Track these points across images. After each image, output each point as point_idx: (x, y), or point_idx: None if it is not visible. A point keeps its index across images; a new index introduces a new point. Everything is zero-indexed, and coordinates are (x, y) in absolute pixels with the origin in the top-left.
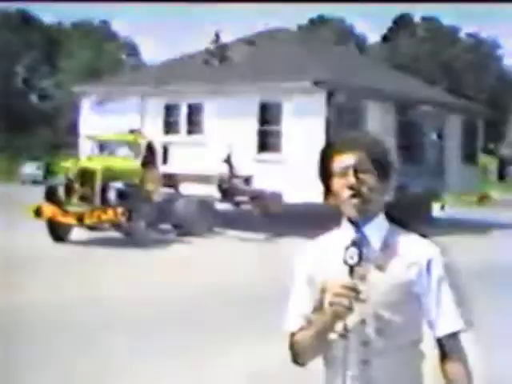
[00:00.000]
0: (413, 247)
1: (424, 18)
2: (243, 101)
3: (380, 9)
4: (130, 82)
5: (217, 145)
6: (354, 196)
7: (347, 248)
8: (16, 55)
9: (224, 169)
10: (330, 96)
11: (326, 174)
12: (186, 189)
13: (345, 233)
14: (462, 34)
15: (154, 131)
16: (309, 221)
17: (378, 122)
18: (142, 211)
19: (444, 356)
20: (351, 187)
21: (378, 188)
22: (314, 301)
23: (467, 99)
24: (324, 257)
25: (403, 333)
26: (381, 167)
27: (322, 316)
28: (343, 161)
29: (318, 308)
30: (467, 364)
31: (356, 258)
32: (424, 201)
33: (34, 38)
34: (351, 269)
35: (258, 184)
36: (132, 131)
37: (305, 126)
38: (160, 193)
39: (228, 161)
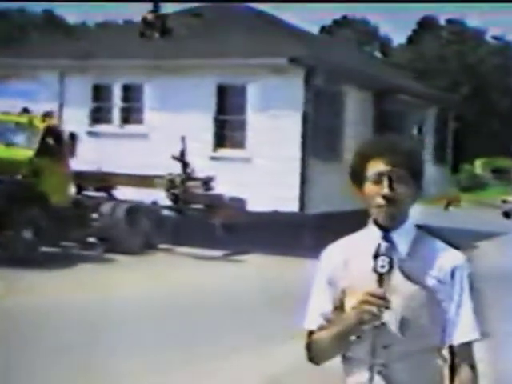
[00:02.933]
0: (439, 254)
1: (449, 21)
2: (195, 82)
3: (405, 10)
4: (44, 54)
5: (161, 138)
6: (387, 205)
7: (377, 256)
8: None
9: (176, 168)
10: (308, 77)
11: (359, 177)
12: (127, 193)
13: (371, 236)
14: (487, 37)
15: (76, 119)
16: (279, 234)
17: (357, 112)
18: (28, 217)
19: (455, 363)
20: (385, 197)
21: (411, 196)
22: (334, 301)
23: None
24: (349, 258)
25: (424, 337)
26: (415, 175)
27: (345, 319)
28: (379, 167)
29: (339, 308)
30: (477, 373)
31: (387, 267)
32: None
33: None
34: (380, 277)
35: (215, 188)
36: (25, 110)
37: (276, 116)
38: (68, 195)
39: (181, 158)
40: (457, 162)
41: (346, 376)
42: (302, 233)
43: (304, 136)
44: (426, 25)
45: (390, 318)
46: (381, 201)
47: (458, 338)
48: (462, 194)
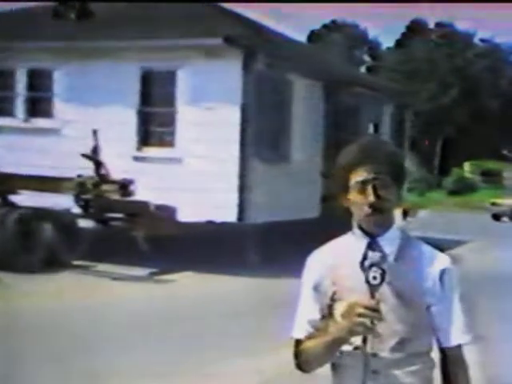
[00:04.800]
0: (426, 258)
1: (438, 24)
2: (115, 68)
3: (394, 14)
4: None
5: (75, 134)
6: (374, 213)
7: (364, 263)
8: None
9: (89, 169)
10: (247, 61)
11: (343, 186)
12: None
13: (357, 241)
14: (476, 40)
15: None
16: (214, 248)
17: (306, 105)
18: None
19: (446, 366)
20: (371, 204)
21: (395, 200)
22: (321, 308)
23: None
24: (335, 264)
25: (414, 343)
26: (397, 178)
27: (336, 329)
28: (362, 176)
29: (327, 315)
30: (468, 376)
31: (379, 279)
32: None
33: None
34: (372, 287)
35: (139, 194)
36: None
37: (211, 108)
38: None
39: (93, 157)
40: (446, 165)
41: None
42: (241, 247)
43: (243, 132)
44: (415, 28)
45: (379, 325)
46: (368, 210)
47: (450, 340)
48: (451, 196)
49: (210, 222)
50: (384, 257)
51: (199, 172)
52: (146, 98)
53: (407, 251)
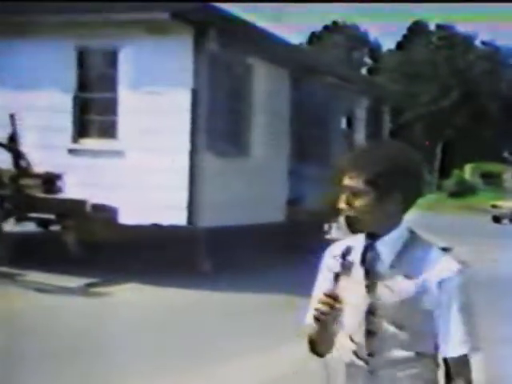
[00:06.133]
0: (428, 263)
1: (439, 26)
2: (46, 46)
3: (395, 16)
4: None
5: None
6: (344, 218)
7: (361, 264)
8: None
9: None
10: (198, 39)
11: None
12: None
13: (360, 242)
14: (477, 42)
15: None
16: (161, 255)
17: (270, 94)
18: None
19: (448, 374)
20: (341, 209)
21: (375, 208)
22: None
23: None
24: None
25: (413, 345)
26: (378, 186)
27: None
28: (343, 181)
29: None
30: None
31: (370, 278)
32: (325, 220)
33: None
34: (367, 286)
35: (74, 191)
36: None
37: (157, 93)
38: None
39: (10, 145)
40: (446, 167)
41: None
42: (191, 254)
43: (195, 121)
44: (415, 30)
45: (376, 326)
46: (340, 213)
47: (448, 352)
48: (452, 199)
49: (156, 226)
50: (376, 257)
51: (144, 167)
52: (82, 81)
53: (410, 253)
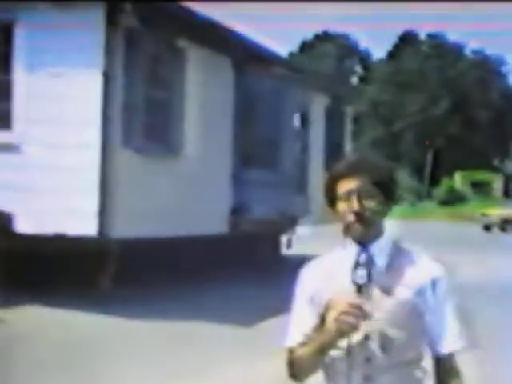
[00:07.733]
0: (418, 267)
1: (429, 35)
2: None
3: (385, 25)
4: None
5: None
6: (357, 220)
7: (356, 268)
8: None
9: None
10: (112, 14)
11: (332, 197)
12: None
13: (350, 252)
14: (467, 51)
15: None
16: (67, 272)
17: (207, 84)
18: None
19: (441, 374)
20: (354, 212)
21: (382, 210)
22: (315, 318)
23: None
24: (329, 274)
25: (406, 350)
26: (384, 190)
27: (324, 333)
28: (346, 185)
29: (320, 325)
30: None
31: (366, 278)
32: (279, 232)
33: None
34: (359, 288)
35: None
36: None
37: (60, 75)
38: None
39: None
40: (436, 176)
41: None
42: (102, 271)
43: (106, 110)
44: (406, 39)
45: (372, 331)
46: (352, 218)
47: (444, 348)
48: (441, 207)
49: (59, 236)
50: (371, 258)
51: (44, 165)
52: None
53: (399, 260)
